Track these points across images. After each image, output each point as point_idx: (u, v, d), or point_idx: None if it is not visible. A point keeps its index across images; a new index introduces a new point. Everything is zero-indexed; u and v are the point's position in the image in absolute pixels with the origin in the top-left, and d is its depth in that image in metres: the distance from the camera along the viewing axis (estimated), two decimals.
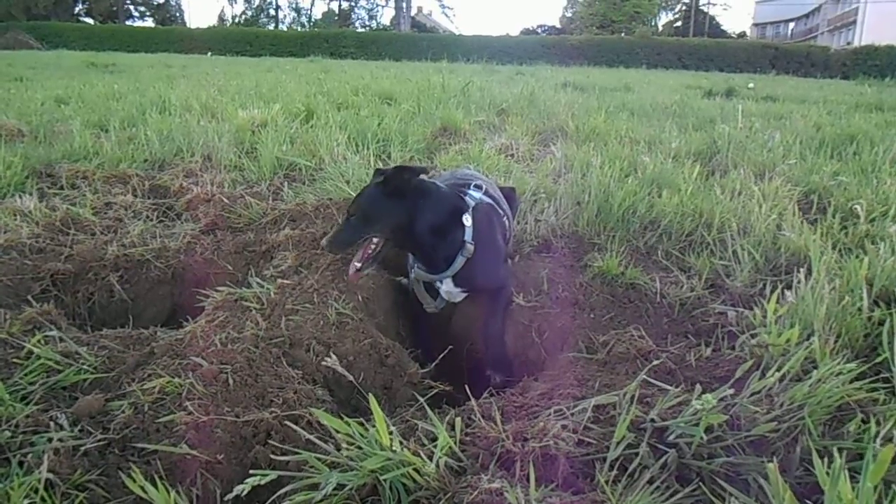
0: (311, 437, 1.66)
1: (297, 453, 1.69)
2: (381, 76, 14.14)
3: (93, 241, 3.11)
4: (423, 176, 2.68)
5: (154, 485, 1.52)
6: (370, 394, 1.62)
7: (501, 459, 1.56)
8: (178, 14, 62.73)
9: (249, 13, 64.83)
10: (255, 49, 40.26)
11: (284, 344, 2.28)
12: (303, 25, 65.43)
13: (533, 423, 1.69)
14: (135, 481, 1.49)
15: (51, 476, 1.58)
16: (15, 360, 2.09)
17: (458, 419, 1.67)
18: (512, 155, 5.46)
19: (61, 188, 4.08)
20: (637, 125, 7.17)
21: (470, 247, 2.65)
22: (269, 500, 1.58)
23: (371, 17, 68.01)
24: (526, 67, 22.55)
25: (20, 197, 3.67)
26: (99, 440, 1.77)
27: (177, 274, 3.02)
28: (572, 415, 1.73)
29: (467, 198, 2.78)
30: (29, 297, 2.63)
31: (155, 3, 57.59)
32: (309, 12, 68.67)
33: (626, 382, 1.98)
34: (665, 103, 9.83)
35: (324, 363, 2.08)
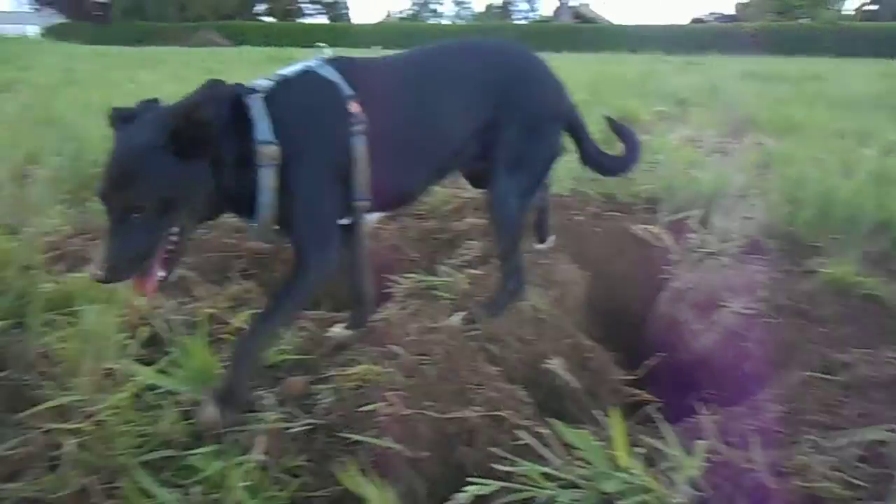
0: (533, 443, 1.51)
1: (505, 458, 1.56)
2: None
3: None
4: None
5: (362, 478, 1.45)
6: (611, 407, 1.44)
7: (754, 496, 1.33)
8: (344, 11, 65.85)
9: (415, 9, 66.84)
10: (416, 43, 41.14)
11: (481, 338, 2.16)
12: (463, 19, 66.40)
13: (786, 455, 1.44)
14: (349, 474, 1.42)
15: (264, 457, 1.56)
16: (221, 335, 2.14)
17: (700, 443, 1.45)
18: (700, 147, 5.05)
19: None
20: (840, 117, 6.42)
21: (268, 148, 1.74)
22: None
23: (532, 9, 67.62)
24: (696, 57, 21.26)
25: None
26: (305, 424, 1.74)
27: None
28: (834, 449, 1.46)
29: (251, 83, 1.87)
30: (230, 275, 2.72)
31: (326, 1, 60.79)
32: (470, 6, 69.71)
33: (889, 414, 1.67)
34: (868, 93, 8.79)
35: (545, 366, 1.93)
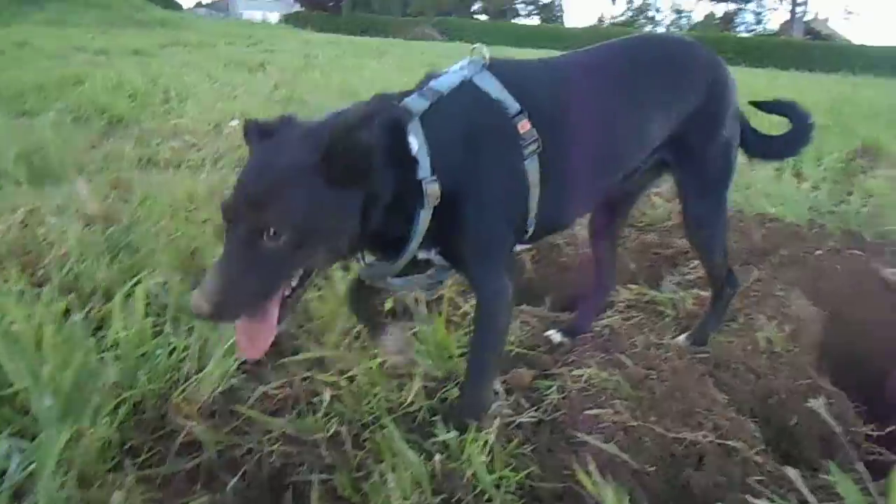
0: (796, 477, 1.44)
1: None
2: (774, 85, 12.93)
3: None
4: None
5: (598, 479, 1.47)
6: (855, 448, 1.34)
7: None
8: (559, 14, 65.72)
9: (629, 14, 65.23)
10: None
11: (709, 362, 2.09)
12: (680, 28, 63.64)
13: None
14: (584, 473, 1.45)
15: (490, 439, 1.63)
16: (454, 317, 2.26)
17: None
18: None
19: None
20: None
21: (433, 188, 1.50)
22: None
23: (758, 21, 63.21)
24: None
25: None
26: (531, 416, 1.79)
27: (583, 263, 3.02)
28: None
29: (405, 104, 1.58)
30: None
31: (541, 2, 61.18)
32: (690, 15, 66.57)
33: None
34: None
35: (807, 404, 1.83)
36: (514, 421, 1.76)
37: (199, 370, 1.79)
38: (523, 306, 2.47)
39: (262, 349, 1.39)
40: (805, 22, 51.17)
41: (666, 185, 4.07)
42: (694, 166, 1.99)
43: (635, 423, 1.75)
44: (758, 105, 2.23)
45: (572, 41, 39.86)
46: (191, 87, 6.76)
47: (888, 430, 1.96)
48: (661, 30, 61.03)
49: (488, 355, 1.70)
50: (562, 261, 3.02)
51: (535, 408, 1.84)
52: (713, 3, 62.78)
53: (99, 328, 1.96)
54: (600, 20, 69.18)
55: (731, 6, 61.43)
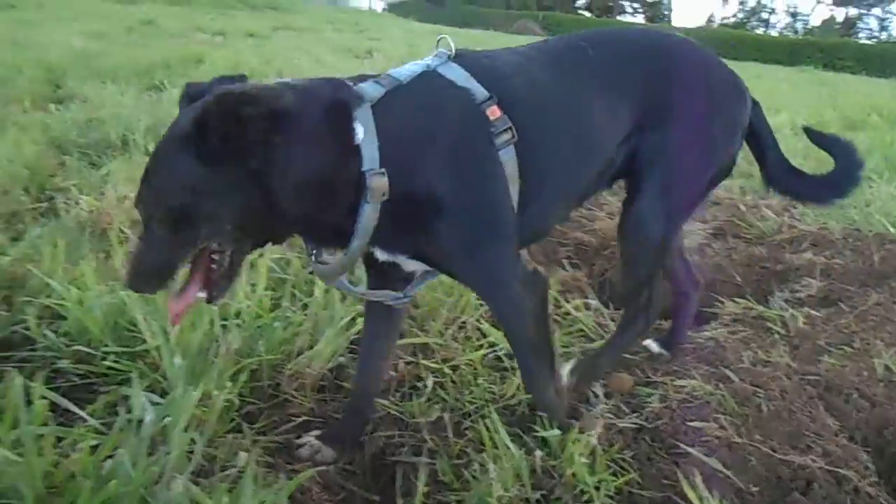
0: None
1: None
2: None
3: (612, 221, 3.24)
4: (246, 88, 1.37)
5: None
6: None
7: None
8: (666, 13, 63.75)
9: (740, 15, 62.52)
10: (737, 52, 38.50)
11: (820, 385, 2.01)
12: (796, 32, 60.50)
13: None
14: (690, 484, 1.43)
15: (593, 441, 1.63)
16: (556, 317, 2.26)
17: None
18: None
19: None
20: None
21: (379, 181, 1.36)
22: None
23: (882, 28, 59.30)
24: None
25: None
26: (632, 422, 1.78)
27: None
28: None
29: (357, 88, 1.42)
30: (556, 260, 2.86)
31: (650, 1, 59.55)
32: (807, 19, 63.13)
33: None
34: None
35: None
36: (614, 425, 1.76)
37: (311, 346, 1.88)
38: (610, 307, 2.45)
39: (174, 316, 1.38)
40: None
41: (776, 199, 3.94)
42: (652, 159, 1.74)
43: (740, 441, 1.71)
44: (809, 133, 2.03)
45: None
46: (302, 71, 6.98)
47: None
48: (774, 33, 58.21)
49: (533, 365, 1.60)
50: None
51: (635, 414, 1.83)
52: (833, 7, 59.31)
53: None
54: (710, 20, 66.62)
55: (853, 11, 57.93)
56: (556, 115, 1.63)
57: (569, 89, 1.66)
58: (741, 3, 63.43)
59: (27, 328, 1.81)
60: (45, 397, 1.41)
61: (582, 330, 2.22)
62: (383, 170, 1.35)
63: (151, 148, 3.49)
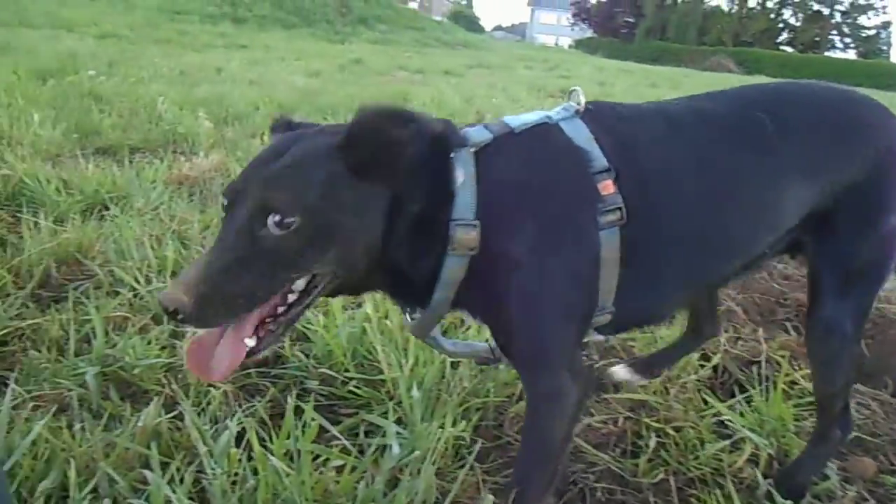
0: None
1: None
2: None
3: None
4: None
5: None
6: None
7: None
8: (884, 48, 58.07)
9: None
10: None
11: None
12: None
13: None
14: None
15: None
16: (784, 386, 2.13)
17: None
18: None
19: None
20: None
21: (467, 233, 1.22)
22: None
23: None
24: None
25: None
26: None
27: None
28: None
29: (464, 133, 1.31)
30: (774, 321, 2.70)
31: (864, 35, 54.61)
32: None
33: None
34: None
35: None
36: None
37: None
38: (859, 386, 2.25)
39: (223, 372, 1.14)
40: None
41: None
42: (838, 256, 1.50)
43: None
44: None
45: (893, 77, 35.02)
46: (499, 109, 7.21)
47: None
48: None
49: (532, 473, 1.38)
50: None
51: None
52: None
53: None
54: None
55: None
56: (690, 204, 1.39)
57: (718, 173, 1.41)
58: None
59: (281, 347, 2.02)
60: (313, 419, 1.57)
61: (812, 403, 2.06)
62: (476, 223, 1.23)
63: None
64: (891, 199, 1.48)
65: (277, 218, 1.09)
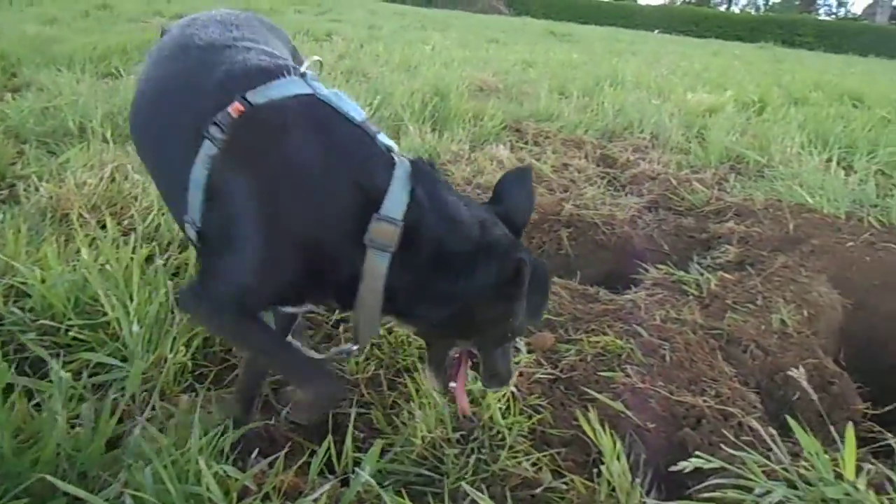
0: (765, 436, 1.62)
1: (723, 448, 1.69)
2: (846, 73, 12.54)
3: (551, 197, 3.45)
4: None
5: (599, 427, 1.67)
6: (849, 423, 1.51)
7: None
8: None
9: None
10: (700, 30, 39.06)
11: (722, 338, 2.25)
12: (757, 8, 61.23)
13: None
14: (588, 422, 1.66)
15: (514, 390, 1.84)
16: None
17: None
18: None
19: (527, 143, 4.60)
20: None
21: (386, 227, 1.31)
22: (698, 486, 1.60)
23: (840, 5, 60.29)
24: None
25: (496, 146, 4.25)
26: (549, 373, 2.00)
27: (618, 242, 3.18)
28: None
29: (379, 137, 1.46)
30: None
31: None
32: None
33: None
34: None
35: (785, 375, 2.00)
36: (534, 375, 1.98)
37: None
38: (555, 279, 2.66)
39: (467, 405, 1.61)
40: (894, 7, 48.51)
41: (709, 172, 4.18)
42: None
43: (643, 386, 1.94)
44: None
45: (642, 19, 38.85)
46: None
47: (885, 409, 2.09)
48: (736, 10, 58.77)
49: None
50: (598, 239, 3.18)
51: (553, 367, 2.04)
52: None
53: (175, 274, 2.25)
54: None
55: None
56: None
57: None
58: None
59: None
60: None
61: None
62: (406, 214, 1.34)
63: (109, 135, 3.64)
64: None
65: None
